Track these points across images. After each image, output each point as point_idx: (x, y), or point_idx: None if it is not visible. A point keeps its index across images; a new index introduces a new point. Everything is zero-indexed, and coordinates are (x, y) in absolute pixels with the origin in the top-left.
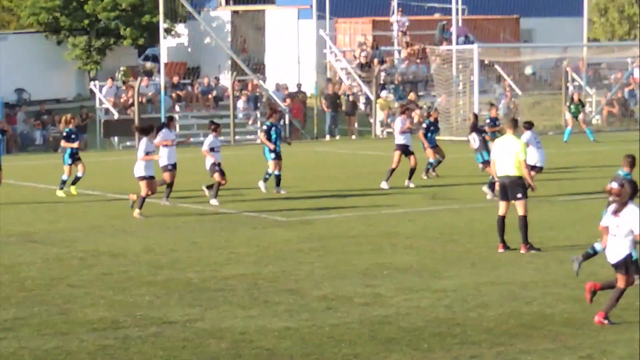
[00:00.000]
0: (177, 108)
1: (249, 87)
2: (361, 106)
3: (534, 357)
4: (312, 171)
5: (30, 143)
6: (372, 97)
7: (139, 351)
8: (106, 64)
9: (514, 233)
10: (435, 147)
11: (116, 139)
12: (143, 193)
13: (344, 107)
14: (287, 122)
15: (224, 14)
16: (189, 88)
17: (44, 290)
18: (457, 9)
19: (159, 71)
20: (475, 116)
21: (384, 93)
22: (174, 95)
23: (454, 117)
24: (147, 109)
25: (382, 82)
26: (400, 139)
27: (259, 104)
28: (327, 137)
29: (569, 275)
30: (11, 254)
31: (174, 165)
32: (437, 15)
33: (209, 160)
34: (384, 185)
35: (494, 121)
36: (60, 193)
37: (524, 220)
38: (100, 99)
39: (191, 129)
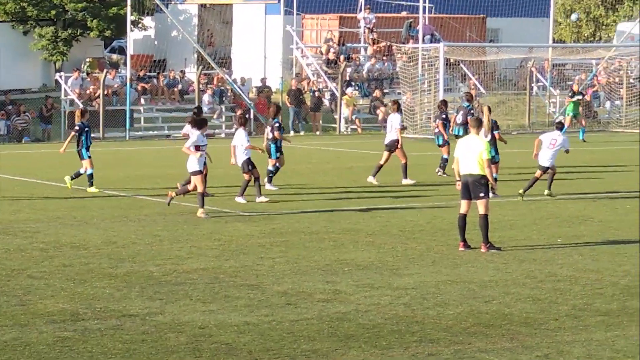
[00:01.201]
0: (142, 101)
1: (215, 81)
2: (326, 102)
3: (491, 356)
4: None
5: None
6: (338, 94)
7: (98, 344)
8: (72, 55)
9: (475, 232)
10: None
11: None
12: (200, 189)
13: (308, 103)
14: (251, 116)
15: (191, 7)
16: (155, 81)
17: (4, 281)
18: (424, 7)
19: (124, 63)
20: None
21: (349, 90)
22: (139, 87)
23: (418, 115)
24: (112, 101)
25: (347, 78)
26: (395, 135)
27: (224, 98)
28: (291, 132)
29: (528, 275)
30: None
31: None
32: (404, 13)
33: (243, 157)
34: (407, 181)
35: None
36: (92, 189)
37: (485, 219)
38: (65, 90)
39: (156, 122)
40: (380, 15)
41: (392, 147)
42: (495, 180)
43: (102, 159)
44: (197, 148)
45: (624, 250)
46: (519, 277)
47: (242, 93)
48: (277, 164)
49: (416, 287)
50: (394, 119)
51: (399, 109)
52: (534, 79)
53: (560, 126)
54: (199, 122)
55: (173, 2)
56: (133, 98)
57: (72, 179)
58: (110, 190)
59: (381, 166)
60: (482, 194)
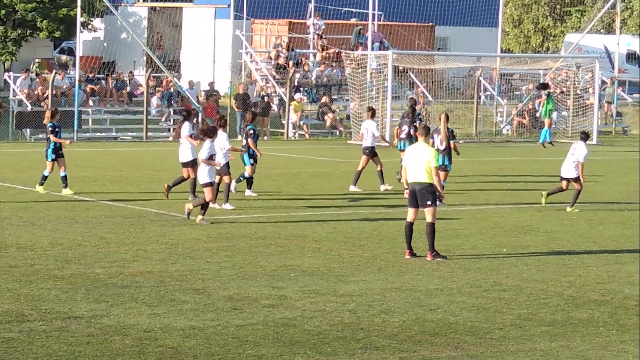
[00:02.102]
0: (90, 102)
1: (163, 84)
2: (274, 107)
3: None
4: None
5: None
6: (286, 99)
7: (43, 345)
8: (21, 56)
9: (422, 240)
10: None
11: (28, 131)
12: (208, 199)
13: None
14: (200, 120)
15: (141, 9)
16: (103, 82)
17: None
18: (373, 15)
19: (74, 64)
20: (447, 117)
21: (297, 95)
22: (87, 89)
23: None
24: (60, 102)
25: (296, 84)
26: (371, 142)
27: (172, 102)
28: (239, 137)
29: (473, 284)
30: None
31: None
32: (353, 20)
33: (222, 160)
34: (382, 188)
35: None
36: (40, 189)
37: (432, 228)
38: (14, 90)
39: (104, 124)
40: (329, 21)
41: (370, 152)
42: (443, 188)
43: None
44: (211, 157)
45: (569, 261)
46: (465, 286)
47: (190, 97)
48: (248, 172)
49: (362, 294)
50: (370, 126)
51: (373, 116)
52: (482, 88)
53: (585, 137)
54: (210, 130)
55: (123, 4)
56: (81, 99)
57: (65, 186)
58: (58, 192)
59: (360, 172)
60: (429, 202)
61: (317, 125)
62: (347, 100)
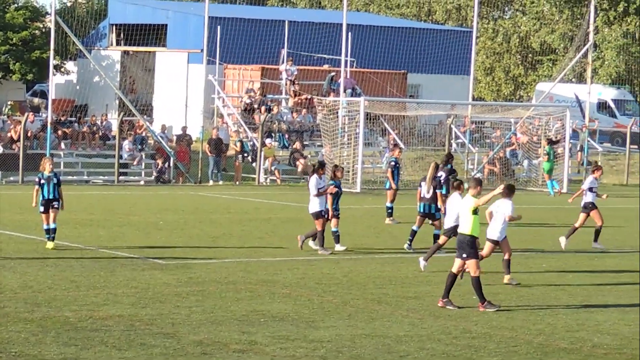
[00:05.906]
0: (62, 145)
1: (136, 128)
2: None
3: None
4: (194, 215)
5: None
6: (258, 144)
7: None
8: None
9: (392, 286)
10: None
11: (0, 173)
12: (442, 242)
13: (228, 153)
14: (171, 164)
15: (114, 53)
16: (76, 126)
17: None
18: (345, 61)
19: (46, 107)
20: (436, 166)
21: (268, 140)
22: (59, 132)
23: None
24: (32, 144)
25: (268, 129)
26: (590, 198)
27: (144, 146)
28: (211, 182)
29: (443, 331)
30: None
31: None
32: (326, 67)
33: (317, 205)
34: (597, 245)
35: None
36: (48, 244)
37: (475, 281)
38: None
39: (76, 167)
40: (302, 67)
41: (589, 208)
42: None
43: (21, 202)
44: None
45: (538, 309)
46: (434, 333)
47: (162, 141)
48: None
49: (332, 340)
50: (588, 180)
51: (595, 171)
52: (453, 136)
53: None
54: (459, 184)
55: (96, 48)
56: (53, 142)
57: (49, 238)
58: (28, 235)
59: (576, 229)
60: (464, 255)
61: (288, 171)
62: (319, 146)
